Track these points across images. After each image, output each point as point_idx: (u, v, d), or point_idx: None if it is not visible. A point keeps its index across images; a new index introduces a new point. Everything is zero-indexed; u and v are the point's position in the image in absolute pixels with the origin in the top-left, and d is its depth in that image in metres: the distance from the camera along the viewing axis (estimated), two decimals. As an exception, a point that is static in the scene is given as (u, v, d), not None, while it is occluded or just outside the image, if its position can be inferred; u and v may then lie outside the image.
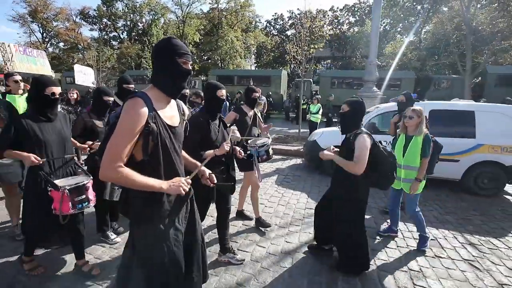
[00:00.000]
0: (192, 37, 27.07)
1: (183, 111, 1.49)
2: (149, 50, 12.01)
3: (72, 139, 2.34)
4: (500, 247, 3.02)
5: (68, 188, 1.91)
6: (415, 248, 2.91)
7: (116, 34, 32.49)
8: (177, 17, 28.21)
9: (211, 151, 2.08)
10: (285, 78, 19.20)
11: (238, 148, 2.45)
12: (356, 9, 34.28)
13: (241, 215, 3.48)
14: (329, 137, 5.78)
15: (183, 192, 1.25)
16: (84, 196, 2.02)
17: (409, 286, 2.31)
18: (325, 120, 10.11)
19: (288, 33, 34.44)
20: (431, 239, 3.05)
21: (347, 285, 2.29)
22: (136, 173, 1.16)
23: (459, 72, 12.78)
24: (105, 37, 32.12)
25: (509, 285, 2.37)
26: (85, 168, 2.44)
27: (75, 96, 5.89)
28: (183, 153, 1.51)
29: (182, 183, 1.25)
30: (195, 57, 27.47)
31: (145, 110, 1.16)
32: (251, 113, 3.08)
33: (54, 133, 2.09)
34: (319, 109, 8.44)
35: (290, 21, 34.73)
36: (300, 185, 4.95)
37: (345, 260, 2.42)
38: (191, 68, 1.31)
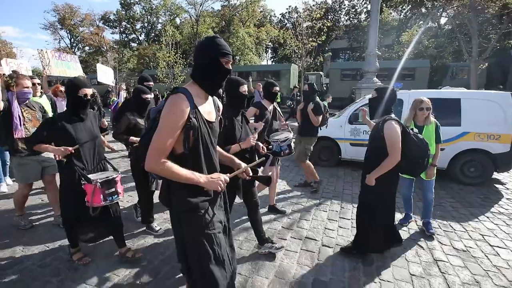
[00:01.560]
0: (207, 35, 27.75)
1: (218, 106, 1.51)
2: (166, 50, 12.56)
3: (102, 137, 2.47)
4: (457, 230, 3.10)
5: (99, 181, 2.02)
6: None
7: (135, 36, 34.17)
8: (190, 17, 28.97)
9: (237, 145, 2.14)
10: (296, 72, 19.15)
11: (261, 144, 2.45)
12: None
13: (273, 209, 3.50)
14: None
15: (220, 189, 1.29)
16: (113, 189, 2.13)
17: (346, 259, 2.53)
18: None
19: (304, 25, 33.92)
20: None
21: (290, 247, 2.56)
22: (178, 166, 1.21)
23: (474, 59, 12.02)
24: (125, 39, 33.88)
25: (444, 261, 2.50)
26: (129, 160, 2.71)
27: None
28: (218, 147, 1.54)
29: (221, 180, 1.29)
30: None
31: (187, 105, 1.20)
32: (270, 107, 3.08)
33: (85, 132, 2.20)
34: (316, 102, 8.50)
35: (305, 13, 34.17)
36: (284, 174, 5.20)
37: (360, 241, 2.52)
38: (231, 68, 1.35)
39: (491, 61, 14.39)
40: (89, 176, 2.07)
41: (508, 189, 4.56)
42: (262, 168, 3.13)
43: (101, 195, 2.03)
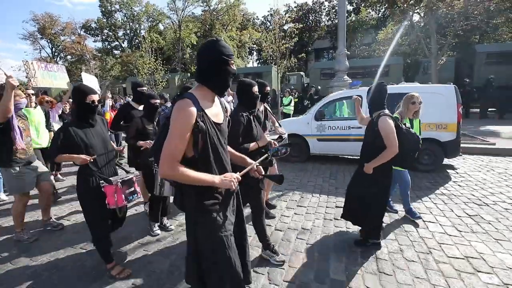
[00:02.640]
0: (190, 40, 27.90)
1: (225, 108, 1.53)
2: (147, 57, 12.76)
3: (111, 141, 2.51)
4: (399, 210, 3.46)
5: (120, 181, 2.11)
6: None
7: (117, 43, 34.02)
8: (172, 22, 29.13)
9: (255, 143, 2.25)
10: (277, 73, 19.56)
11: (272, 140, 2.52)
12: (354, -4, 33.65)
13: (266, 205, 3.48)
14: (286, 126, 6.26)
15: (234, 187, 1.33)
16: (133, 189, 2.24)
17: (292, 239, 2.85)
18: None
19: (285, 27, 34.57)
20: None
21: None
22: (190, 170, 1.24)
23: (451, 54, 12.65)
24: (108, 46, 33.67)
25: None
26: (138, 164, 2.85)
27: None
28: (229, 147, 1.57)
29: (233, 179, 1.32)
30: (192, 59, 28.22)
31: (194, 109, 1.22)
32: (262, 107, 3.12)
33: (96, 137, 2.26)
34: (291, 101, 8.89)
35: (287, 15, 34.79)
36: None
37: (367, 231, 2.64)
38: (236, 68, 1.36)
39: (458, 56, 15.20)
40: (111, 178, 2.16)
41: (458, 173, 5.00)
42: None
43: (123, 195, 2.11)
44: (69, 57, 34.72)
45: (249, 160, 1.63)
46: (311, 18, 34.84)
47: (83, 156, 2.12)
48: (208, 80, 1.33)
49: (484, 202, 3.62)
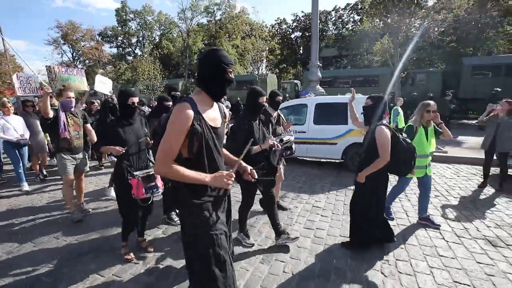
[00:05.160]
0: (197, 47, 29.55)
1: (224, 113, 1.62)
2: (146, 65, 14.02)
3: (147, 138, 2.77)
4: (326, 201, 4.20)
5: (140, 176, 2.34)
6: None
7: (130, 49, 36.34)
8: (180, 32, 30.95)
9: (258, 146, 2.46)
10: (274, 81, 20.43)
11: (275, 142, 2.71)
12: (360, 6, 34.13)
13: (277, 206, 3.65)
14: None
15: (226, 186, 1.35)
16: (153, 183, 2.42)
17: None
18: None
19: (292, 36, 35.62)
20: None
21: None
22: (184, 168, 1.31)
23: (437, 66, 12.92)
24: (122, 52, 36.01)
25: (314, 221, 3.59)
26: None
27: (96, 105, 6.71)
28: (224, 150, 1.64)
29: (225, 177, 1.34)
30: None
31: (191, 112, 1.30)
32: (275, 114, 3.40)
33: (133, 134, 2.55)
34: (265, 108, 9.69)
35: (294, 24, 35.77)
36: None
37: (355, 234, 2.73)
38: (233, 77, 1.47)
39: (446, 68, 15.49)
40: (135, 172, 2.40)
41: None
42: (283, 169, 3.56)
43: (143, 188, 2.32)
44: (87, 61, 37.27)
45: (243, 163, 1.66)
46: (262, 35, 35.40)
47: (117, 147, 2.46)
48: (206, 86, 1.43)
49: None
